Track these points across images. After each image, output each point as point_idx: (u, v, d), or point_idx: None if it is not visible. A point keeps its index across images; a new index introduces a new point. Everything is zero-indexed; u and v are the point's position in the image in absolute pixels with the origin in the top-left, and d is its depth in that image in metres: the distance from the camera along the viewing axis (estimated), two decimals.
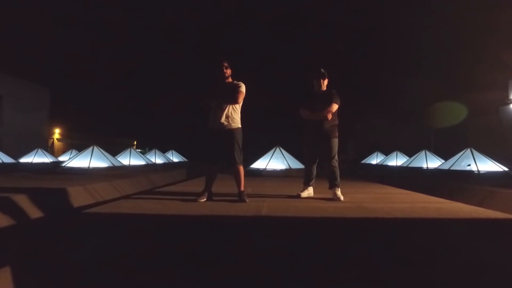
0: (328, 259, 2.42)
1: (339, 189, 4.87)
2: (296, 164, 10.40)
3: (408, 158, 15.42)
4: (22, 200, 5.07)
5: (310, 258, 2.44)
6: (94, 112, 36.07)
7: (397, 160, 16.29)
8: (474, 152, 10.31)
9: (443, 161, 12.46)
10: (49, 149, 30.27)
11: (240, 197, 4.55)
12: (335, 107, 4.85)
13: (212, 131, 4.61)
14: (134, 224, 3.42)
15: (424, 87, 20.86)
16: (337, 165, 4.93)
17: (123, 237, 2.97)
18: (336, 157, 4.94)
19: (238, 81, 4.67)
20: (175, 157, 21.10)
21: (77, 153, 12.69)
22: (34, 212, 4.99)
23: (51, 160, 17.03)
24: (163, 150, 20.43)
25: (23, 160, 16.45)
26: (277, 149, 10.92)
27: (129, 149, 14.90)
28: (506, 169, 9.93)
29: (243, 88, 4.59)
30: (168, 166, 16.87)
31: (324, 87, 4.98)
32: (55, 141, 35.40)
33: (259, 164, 10.65)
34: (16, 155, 16.64)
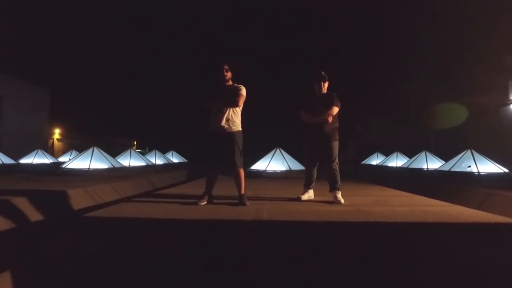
0: (328, 264, 2.42)
1: (340, 192, 4.87)
2: (296, 166, 10.40)
3: (408, 159, 15.41)
4: (23, 203, 5.08)
5: (310, 263, 2.44)
6: (94, 112, 36.06)
7: (397, 161, 16.28)
8: (475, 153, 10.30)
9: (443, 162, 12.45)
10: (49, 149, 30.28)
11: (240, 200, 4.55)
12: (335, 110, 4.85)
13: (213, 134, 4.60)
14: (134, 228, 3.42)
15: (424, 88, 20.86)
16: (337, 168, 4.93)
17: (122, 241, 2.97)
18: (337, 160, 4.94)
19: (239, 84, 4.67)
20: (175, 158, 21.09)
21: (77, 154, 12.69)
22: (34, 215, 4.99)
23: (51, 161, 17.02)
24: (163, 151, 20.43)
25: (23, 161, 16.45)
26: (277, 150, 10.92)
27: (129, 150, 14.90)
28: (506, 170, 9.93)
29: (243, 91, 4.59)
30: (168, 167, 16.87)
31: (324, 90, 4.98)
32: (55, 141, 35.39)
33: (259, 165, 10.65)
34: (16, 155, 16.64)
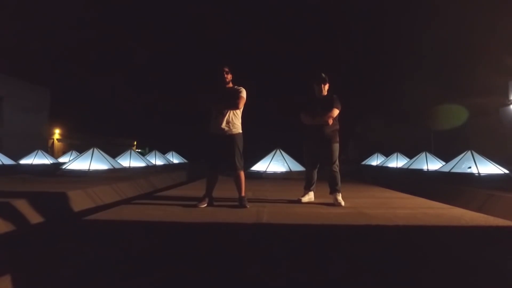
0: (329, 268, 2.41)
1: (340, 194, 4.86)
2: (297, 167, 10.39)
3: (408, 159, 15.40)
4: (23, 205, 5.07)
5: (310, 266, 2.43)
6: (94, 112, 36.06)
7: (397, 162, 16.28)
8: (475, 154, 10.29)
9: (443, 163, 12.44)
10: (49, 150, 30.29)
11: (240, 202, 4.54)
12: (335, 112, 4.84)
13: (213, 136, 4.60)
14: (134, 231, 3.41)
15: (424, 88, 20.86)
16: (338, 170, 4.92)
17: (122, 245, 2.96)
18: (337, 162, 4.93)
19: (239, 86, 4.66)
20: (175, 158, 21.08)
21: (77, 155, 12.68)
22: (34, 217, 4.98)
23: (51, 162, 17.02)
24: (163, 151, 20.43)
25: (23, 161, 16.44)
26: (277, 151, 10.91)
27: (129, 151, 14.90)
28: (506, 171, 9.92)
29: (243, 94, 4.59)
30: (168, 167, 16.86)
31: (324, 92, 4.98)
32: (55, 141, 35.40)
33: (260, 166, 10.64)
34: (16, 155, 16.63)
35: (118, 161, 12.83)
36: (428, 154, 13.75)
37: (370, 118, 27.35)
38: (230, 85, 4.66)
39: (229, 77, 4.63)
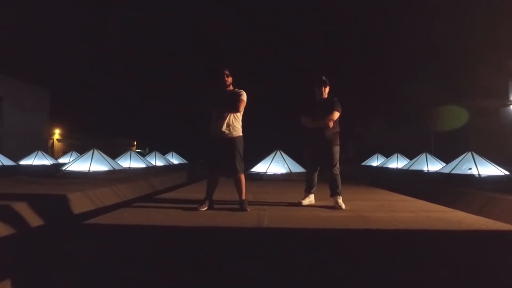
0: (329, 272, 2.41)
1: (341, 197, 4.86)
2: (297, 168, 10.39)
3: (408, 160, 15.40)
4: (23, 208, 5.06)
5: (311, 271, 2.43)
6: (94, 112, 36.07)
7: (397, 163, 16.29)
8: (475, 155, 10.29)
9: (443, 164, 12.44)
10: (49, 150, 30.29)
11: (241, 206, 4.54)
12: (336, 115, 4.84)
13: (213, 139, 4.59)
14: (134, 235, 3.40)
15: (425, 89, 20.86)
16: (338, 173, 4.91)
17: (123, 249, 2.96)
18: (338, 165, 4.92)
19: (239, 89, 4.66)
20: (175, 159, 21.08)
21: (78, 156, 12.68)
22: (34, 220, 4.97)
23: (51, 163, 17.03)
24: (163, 152, 20.43)
25: (23, 162, 16.45)
26: (278, 152, 10.90)
27: (129, 152, 14.89)
28: (507, 173, 9.91)
29: (244, 97, 4.58)
30: (168, 168, 16.86)
31: (325, 95, 4.97)
32: (55, 141, 35.39)
33: (260, 167, 10.64)
34: (17, 156, 16.64)
35: (118, 162, 12.83)
36: (428, 155, 13.75)
37: (371, 119, 27.35)
38: (231, 88, 4.66)
39: (229, 80, 4.62)
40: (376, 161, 19.55)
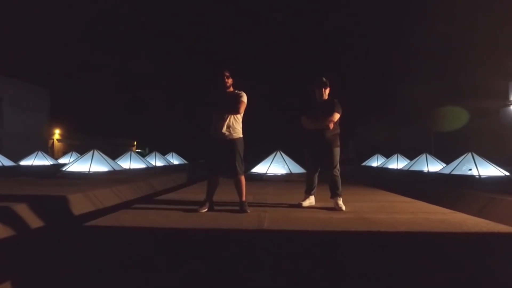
0: (330, 275, 2.41)
1: (341, 198, 4.85)
2: (297, 169, 10.38)
3: (409, 161, 15.40)
4: (23, 209, 5.05)
5: (312, 274, 2.42)
6: (94, 113, 36.07)
7: (397, 163, 16.28)
8: (475, 156, 10.29)
9: (444, 164, 12.44)
10: (49, 150, 30.29)
11: (241, 207, 4.53)
12: (336, 116, 4.83)
13: (214, 141, 4.58)
14: (134, 237, 3.40)
15: (425, 90, 20.86)
16: (338, 175, 4.91)
17: (123, 251, 2.95)
18: (338, 166, 4.92)
19: (240, 91, 4.65)
20: (175, 160, 21.09)
21: (78, 157, 12.67)
22: (34, 222, 4.97)
23: (51, 163, 17.03)
24: (163, 152, 20.42)
25: (23, 162, 16.45)
26: (278, 153, 10.90)
27: (129, 152, 14.89)
28: (507, 173, 9.91)
29: (244, 98, 4.57)
30: (168, 169, 16.85)
31: (325, 96, 4.96)
32: (55, 141, 35.39)
33: (260, 168, 10.63)
34: (17, 156, 16.64)
35: (118, 162, 12.82)
36: (428, 155, 13.75)
37: (371, 119, 27.35)
38: (231, 89, 4.65)
39: (229, 81, 4.62)
40: (376, 162, 19.54)
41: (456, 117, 20.48)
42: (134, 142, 49.89)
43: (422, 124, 24.01)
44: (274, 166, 10.52)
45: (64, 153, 26.85)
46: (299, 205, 4.99)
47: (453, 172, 10.27)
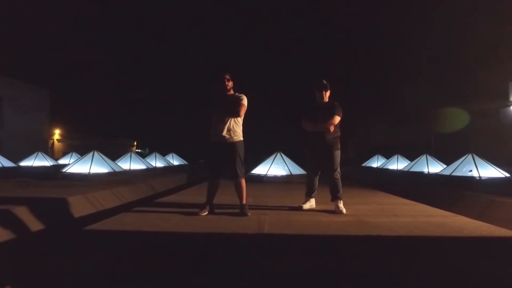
0: (330, 280, 2.39)
1: (341, 201, 4.84)
2: (297, 170, 10.37)
3: (409, 161, 15.39)
4: (23, 212, 5.04)
5: (312, 278, 2.41)
6: (94, 113, 36.08)
7: (398, 164, 16.27)
8: (476, 157, 10.27)
9: (444, 165, 12.43)
10: (49, 150, 30.30)
11: (242, 210, 4.53)
12: (337, 119, 4.82)
13: (214, 144, 4.58)
14: (135, 241, 3.39)
15: (425, 90, 20.86)
16: (339, 177, 4.90)
17: (123, 255, 2.94)
18: (338, 169, 4.91)
19: (240, 94, 4.64)
20: (175, 160, 21.09)
21: (78, 158, 12.67)
22: (34, 225, 4.96)
23: (52, 164, 17.03)
24: (163, 153, 20.42)
25: (24, 163, 16.44)
26: (278, 154, 10.89)
27: (129, 153, 14.88)
28: (507, 175, 9.89)
29: (244, 101, 4.56)
30: (169, 170, 16.85)
31: (326, 99, 4.96)
32: (55, 142, 35.41)
33: (260, 170, 10.62)
34: (17, 157, 16.63)
35: (118, 163, 12.81)
36: (428, 156, 13.73)
37: (371, 120, 27.35)
38: (231, 92, 4.64)
39: (230, 84, 4.61)
40: (376, 162, 19.53)
41: (456, 117, 20.49)
42: (134, 142, 49.91)
43: (422, 124, 24.00)
44: (275, 167, 10.51)
45: (64, 153, 26.86)
46: (300, 208, 4.99)
47: (454, 174, 10.26)
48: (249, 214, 4.47)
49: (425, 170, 13.11)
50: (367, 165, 20.30)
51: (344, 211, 4.72)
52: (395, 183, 10.78)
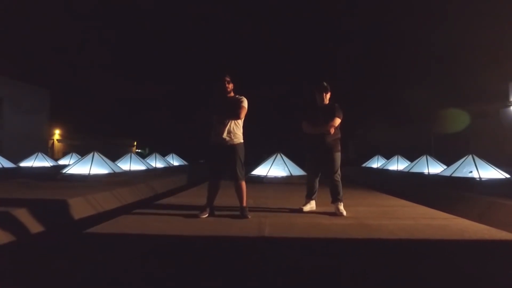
0: (332, 283, 2.39)
1: (342, 203, 4.84)
2: (297, 171, 10.37)
3: (409, 162, 15.38)
4: (22, 214, 5.03)
5: (313, 282, 2.41)
6: (94, 113, 36.09)
7: (398, 165, 16.26)
8: (476, 158, 10.26)
9: (444, 166, 12.42)
10: (49, 150, 30.30)
11: (242, 213, 4.52)
12: (337, 121, 4.82)
13: (214, 146, 4.57)
14: (135, 245, 3.38)
15: (425, 91, 20.86)
16: (339, 179, 4.90)
17: (124, 259, 2.94)
18: (339, 171, 4.90)
19: (240, 96, 4.64)
20: (175, 161, 21.08)
21: (78, 159, 12.66)
22: (34, 227, 4.95)
23: (52, 164, 17.02)
24: (163, 153, 20.41)
25: (24, 164, 16.43)
26: (278, 155, 10.88)
27: (129, 154, 14.87)
28: (508, 176, 9.89)
29: (245, 103, 4.56)
30: (169, 170, 16.84)
31: (326, 101, 4.96)
32: (55, 142, 35.41)
33: (260, 171, 10.61)
34: (17, 157, 16.63)
35: (118, 164, 12.80)
36: (429, 157, 13.72)
37: (371, 120, 27.35)
38: (232, 94, 4.64)
39: (230, 86, 4.60)
40: (376, 163, 19.52)
41: (456, 118, 20.48)
42: (134, 143, 49.91)
43: (422, 125, 24.00)
44: (275, 168, 10.51)
45: (64, 154, 26.87)
46: (300, 210, 4.98)
47: (454, 175, 10.25)
48: (250, 217, 4.46)
49: (425, 171, 13.11)
50: (367, 165, 20.29)
51: (344, 213, 4.71)
52: (395, 184, 10.77)
